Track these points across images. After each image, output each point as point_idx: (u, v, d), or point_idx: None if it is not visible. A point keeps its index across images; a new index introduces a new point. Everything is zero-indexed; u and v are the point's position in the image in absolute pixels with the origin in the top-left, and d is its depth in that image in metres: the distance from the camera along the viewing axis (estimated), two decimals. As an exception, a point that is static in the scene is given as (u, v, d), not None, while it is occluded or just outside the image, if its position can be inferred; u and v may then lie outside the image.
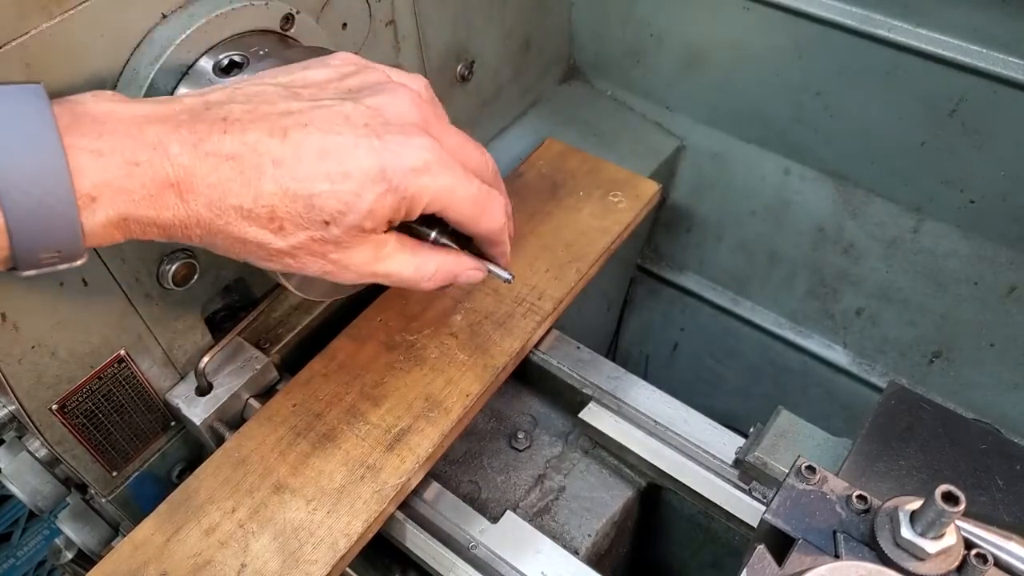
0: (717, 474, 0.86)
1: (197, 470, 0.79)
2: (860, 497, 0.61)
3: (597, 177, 1.09)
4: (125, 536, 0.76)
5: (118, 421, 0.80)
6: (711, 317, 1.44)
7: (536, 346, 0.95)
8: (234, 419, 0.86)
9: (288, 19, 0.71)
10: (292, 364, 0.91)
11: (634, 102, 1.30)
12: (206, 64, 0.66)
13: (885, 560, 0.56)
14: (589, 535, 0.89)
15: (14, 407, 0.72)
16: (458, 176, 0.58)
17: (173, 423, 0.87)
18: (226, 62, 0.66)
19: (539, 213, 1.04)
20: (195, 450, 0.91)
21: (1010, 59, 0.90)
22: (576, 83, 1.34)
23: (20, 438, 0.84)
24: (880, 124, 1.05)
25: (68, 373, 0.72)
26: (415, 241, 0.62)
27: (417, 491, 0.84)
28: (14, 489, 0.85)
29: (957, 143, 1.00)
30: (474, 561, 0.81)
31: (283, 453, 0.80)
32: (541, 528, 0.84)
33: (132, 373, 0.79)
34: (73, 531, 0.91)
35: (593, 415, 0.92)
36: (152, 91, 0.64)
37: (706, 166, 1.29)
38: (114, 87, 0.64)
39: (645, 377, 0.94)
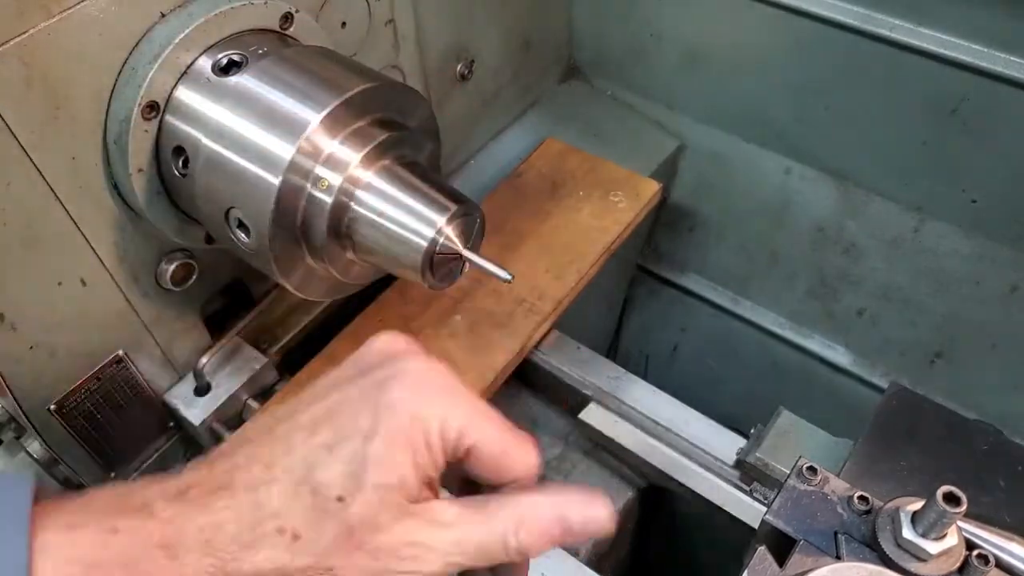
0: (718, 475, 0.86)
1: (196, 471, 0.79)
2: (861, 498, 0.60)
3: (597, 177, 1.09)
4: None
5: (116, 422, 0.80)
6: (712, 317, 1.43)
7: (536, 346, 0.95)
8: (233, 420, 0.85)
9: (287, 18, 0.71)
10: (292, 364, 0.91)
11: (634, 101, 1.30)
12: (205, 63, 0.65)
13: (886, 561, 0.56)
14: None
15: (12, 407, 0.71)
16: None
17: (172, 424, 0.86)
18: (225, 61, 0.65)
19: (539, 213, 1.04)
20: (194, 451, 0.90)
21: (1012, 58, 0.90)
22: (576, 82, 1.33)
23: (18, 439, 0.84)
24: (881, 123, 1.05)
25: (66, 373, 0.72)
26: None
27: (417, 492, 0.83)
28: (13, 490, 0.84)
29: (959, 142, 1.00)
30: (474, 562, 0.81)
31: (282, 454, 0.79)
32: (541, 529, 0.84)
33: (130, 373, 0.78)
34: (72, 532, 0.90)
35: (593, 415, 0.92)
36: (152, 91, 0.64)
37: (706, 166, 1.29)
38: (113, 86, 0.64)
39: (645, 377, 0.94)
